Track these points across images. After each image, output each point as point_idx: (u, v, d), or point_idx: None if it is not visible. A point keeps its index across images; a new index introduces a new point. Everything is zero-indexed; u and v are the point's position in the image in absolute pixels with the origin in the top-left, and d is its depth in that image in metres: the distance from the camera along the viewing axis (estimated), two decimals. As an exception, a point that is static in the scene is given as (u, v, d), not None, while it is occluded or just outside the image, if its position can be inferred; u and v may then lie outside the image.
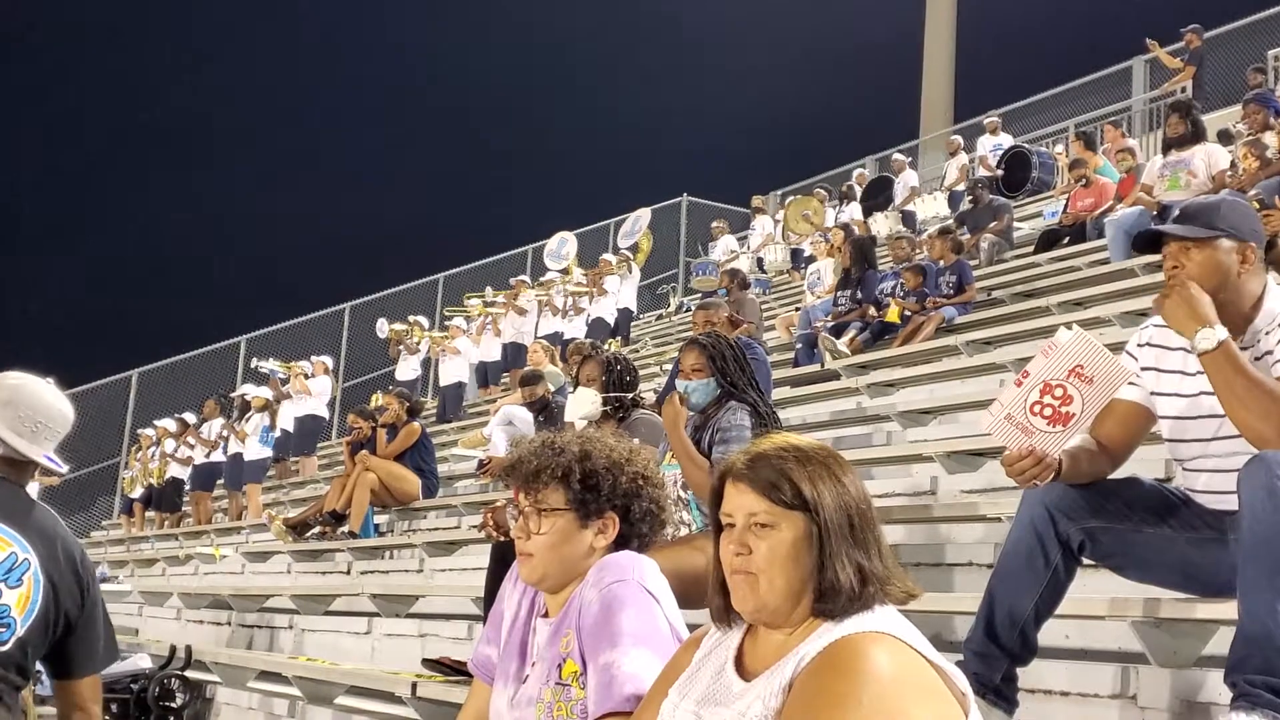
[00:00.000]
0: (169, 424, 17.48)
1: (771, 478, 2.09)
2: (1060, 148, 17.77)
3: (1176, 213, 3.33)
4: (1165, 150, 10.85)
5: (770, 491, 2.08)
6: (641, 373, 7.94)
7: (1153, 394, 3.26)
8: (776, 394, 9.11)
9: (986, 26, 32.58)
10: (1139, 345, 3.34)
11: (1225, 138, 11.89)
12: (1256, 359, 3.07)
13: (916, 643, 2.00)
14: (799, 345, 11.80)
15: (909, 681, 1.93)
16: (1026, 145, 17.86)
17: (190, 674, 7.12)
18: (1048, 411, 2.98)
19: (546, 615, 2.72)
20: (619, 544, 2.69)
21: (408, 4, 49.23)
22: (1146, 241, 3.31)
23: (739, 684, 2.12)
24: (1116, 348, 3.30)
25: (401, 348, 18.51)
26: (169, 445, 17.01)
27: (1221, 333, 2.97)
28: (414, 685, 5.10)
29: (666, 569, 2.70)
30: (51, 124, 45.58)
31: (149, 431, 18.02)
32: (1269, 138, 10.48)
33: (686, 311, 18.45)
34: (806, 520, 2.06)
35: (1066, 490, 3.12)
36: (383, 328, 19.21)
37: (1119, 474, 3.29)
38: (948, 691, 1.99)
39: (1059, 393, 2.97)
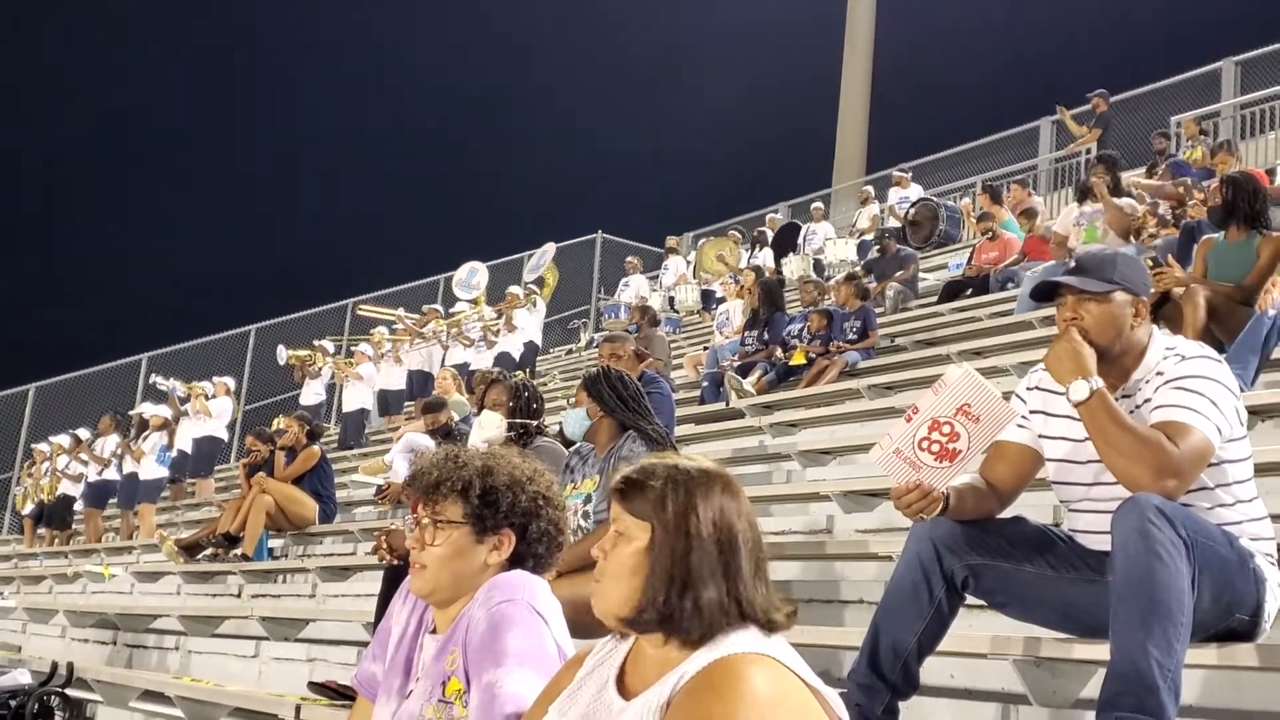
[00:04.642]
0: (64, 440, 17.07)
1: (631, 487, 2.11)
2: (967, 200, 18.10)
3: (1072, 264, 3.42)
4: (1081, 198, 10.99)
5: (624, 500, 2.11)
6: (548, 405, 7.93)
7: (1040, 436, 3.33)
8: (681, 430, 9.15)
9: (900, 82, 33.24)
10: (1028, 389, 3.41)
11: (1126, 199, 12.19)
12: (1137, 406, 3.16)
13: (796, 667, 2.00)
14: (705, 383, 11.87)
15: (787, 705, 1.92)
16: (934, 198, 18.17)
17: (71, 692, 6.98)
18: (935, 448, 3.03)
19: (434, 632, 2.70)
20: (514, 563, 2.67)
21: (324, 48, 48.84)
22: (1045, 292, 3.39)
23: (619, 702, 2.11)
24: (1011, 395, 3.38)
25: (304, 372, 18.29)
26: (62, 461, 16.63)
27: (1096, 383, 3.05)
28: (298, 708, 5.04)
29: (563, 596, 2.70)
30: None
31: (44, 447, 17.58)
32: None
33: (597, 347, 18.39)
34: (653, 532, 2.07)
35: (953, 526, 3.18)
36: (282, 354, 18.92)
37: (1005, 514, 3.36)
38: (825, 717, 1.99)
39: (946, 430, 3.02)
